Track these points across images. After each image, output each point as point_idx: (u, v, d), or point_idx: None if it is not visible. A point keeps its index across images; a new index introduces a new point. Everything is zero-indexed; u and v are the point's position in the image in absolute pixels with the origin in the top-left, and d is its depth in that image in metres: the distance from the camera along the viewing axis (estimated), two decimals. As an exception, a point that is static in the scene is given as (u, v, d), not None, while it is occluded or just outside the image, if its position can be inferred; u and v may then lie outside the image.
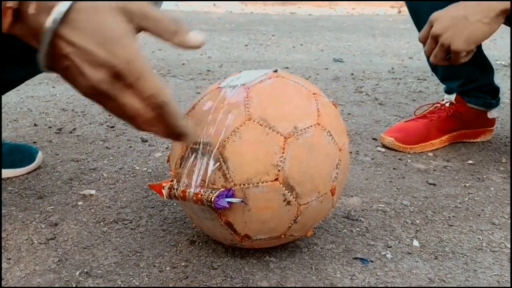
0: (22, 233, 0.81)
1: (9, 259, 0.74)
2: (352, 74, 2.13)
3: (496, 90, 1.25)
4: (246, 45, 2.83)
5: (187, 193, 0.62)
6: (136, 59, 0.46)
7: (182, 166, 0.65)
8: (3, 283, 0.68)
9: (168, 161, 0.72)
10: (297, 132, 0.63)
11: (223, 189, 0.61)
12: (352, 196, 0.96)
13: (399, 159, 1.17)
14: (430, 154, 1.20)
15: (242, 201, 0.62)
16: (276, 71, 0.70)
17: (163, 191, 0.64)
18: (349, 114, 1.53)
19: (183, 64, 2.27)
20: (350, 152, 1.19)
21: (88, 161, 1.11)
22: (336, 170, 0.67)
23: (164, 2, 0.84)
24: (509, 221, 0.88)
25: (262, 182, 0.62)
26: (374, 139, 1.30)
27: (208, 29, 3.41)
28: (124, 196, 0.95)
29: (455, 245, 0.81)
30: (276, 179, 0.62)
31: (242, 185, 0.62)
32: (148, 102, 0.48)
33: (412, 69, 2.25)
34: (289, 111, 0.64)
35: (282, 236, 0.69)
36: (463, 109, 1.23)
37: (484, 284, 0.71)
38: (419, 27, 1.28)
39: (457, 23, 0.93)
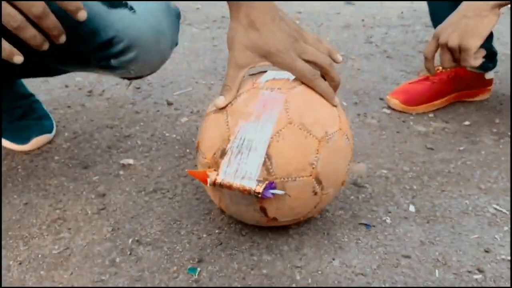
0: (76, 204, 0.95)
1: (70, 228, 0.89)
2: (363, 20, 2.19)
3: (494, 54, 1.33)
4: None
5: (233, 184, 0.74)
6: None
7: (224, 157, 0.75)
8: (68, 252, 0.84)
9: (197, 147, 0.83)
10: (327, 136, 0.76)
11: (267, 182, 0.74)
12: (359, 162, 1.09)
13: (403, 121, 1.28)
14: (431, 115, 1.32)
15: (285, 193, 0.75)
16: None
17: (208, 180, 0.75)
18: (358, 69, 1.62)
19: (197, 8, 2.32)
20: (358, 114, 1.31)
21: (122, 128, 1.24)
22: (348, 166, 0.81)
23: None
24: (494, 186, 1.01)
25: (300, 177, 0.75)
26: (381, 99, 1.41)
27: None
28: (159, 165, 1.08)
29: (445, 209, 0.94)
30: (310, 175, 0.75)
31: (282, 179, 0.74)
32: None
33: (421, 12, 2.29)
34: (320, 117, 0.76)
35: (301, 218, 0.83)
36: (462, 72, 1.33)
37: (465, 245, 0.85)
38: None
39: (459, 24, 1.02)
